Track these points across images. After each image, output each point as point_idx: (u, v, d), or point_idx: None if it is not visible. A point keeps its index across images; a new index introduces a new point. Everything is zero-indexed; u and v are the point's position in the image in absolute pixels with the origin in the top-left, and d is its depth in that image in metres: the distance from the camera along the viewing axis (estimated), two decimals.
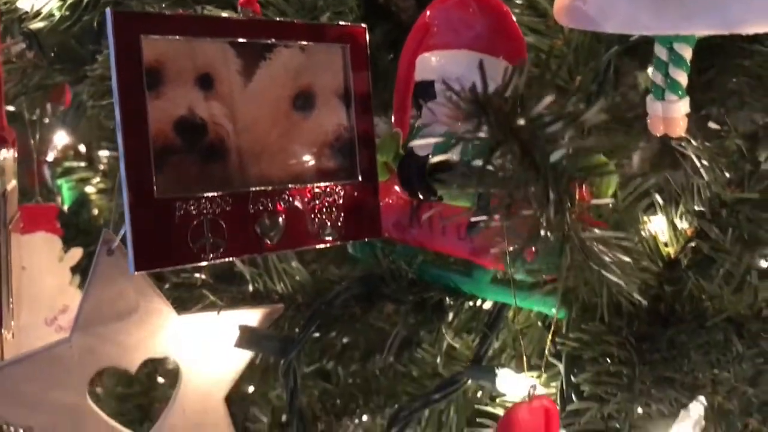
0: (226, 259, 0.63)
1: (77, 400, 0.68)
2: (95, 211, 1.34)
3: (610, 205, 0.62)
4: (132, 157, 0.59)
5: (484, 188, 0.59)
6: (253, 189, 0.64)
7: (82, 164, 1.32)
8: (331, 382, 0.79)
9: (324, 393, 0.78)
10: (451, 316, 0.75)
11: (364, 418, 0.78)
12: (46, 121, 1.25)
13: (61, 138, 1.28)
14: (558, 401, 0.62)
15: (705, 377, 0.60)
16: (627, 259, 0.58)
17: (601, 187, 0.61)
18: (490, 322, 0.73)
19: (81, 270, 0.97)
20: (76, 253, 0.97)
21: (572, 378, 0.63)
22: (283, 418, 0.78)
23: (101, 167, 1.32)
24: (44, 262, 0.94)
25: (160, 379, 0.94)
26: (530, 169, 0.47)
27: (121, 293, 0.68)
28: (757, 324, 0.60)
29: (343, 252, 0.78)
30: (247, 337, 0.69)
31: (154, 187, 0.59)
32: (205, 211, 0.62)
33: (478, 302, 0.74)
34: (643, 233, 0.69)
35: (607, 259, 0.55)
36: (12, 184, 0.84)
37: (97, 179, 1.31)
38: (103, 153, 1.29)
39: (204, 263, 0.62)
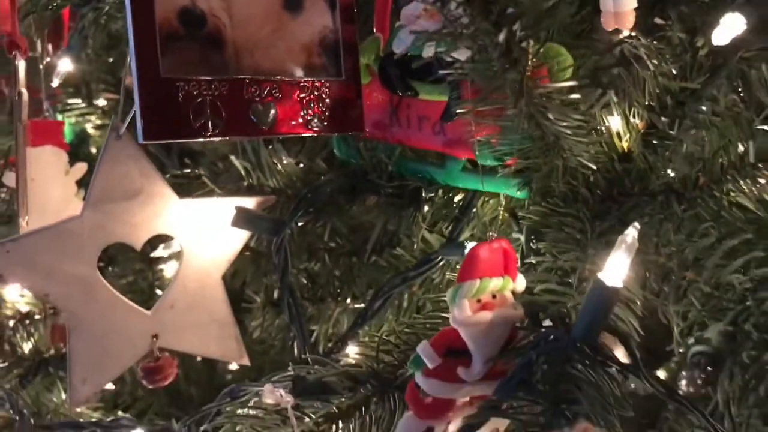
0: (224, 138, 0.71)
1: (88, 272, 0.75)
2: (93, 149, 1.40)
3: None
4: (141, 41, 0.66)
5: (455, 75, 0.68)
6: (248, 78, 0.72)
7: (82, 103, 1.39)
8: (317, 270, 0.87)
9: (310, 279, 0.86)
10: (426, 207, 0.83)
11: (348, 301, 0.86)
12: (48, 59, 1.31)
13: (61, 75, 1.33)
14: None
15: (650, 241, 0.68)
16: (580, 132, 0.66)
17: (558, 73, 0.69)
18: (461, 210, 0.81)
19: (85, 184, 1.04)
20: (81, 168, 1.04)
21: (531, 245, 0.71)
22: (275, 295, 0.86)
23: (101, 105, 1.38)
24: (51, 175, 1.01)
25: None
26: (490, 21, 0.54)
27: (127, 175, 0.75)
28: (695, 192, 0.68)
29: (330, 150, 0.85)
30: (242, 217, 0.76)
31: (160, 68, 0.67)
32: (205, 93, 0.69)
33: (451, 194, 0.82)
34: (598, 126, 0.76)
35: (562, 124, 0.63)
36: (24, 93, 0.91)
37: (96, 117, 1.37)
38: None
39: (203, 139, 0.70)
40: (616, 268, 0.56)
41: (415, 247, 0.83)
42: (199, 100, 0.68)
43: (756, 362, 0.55)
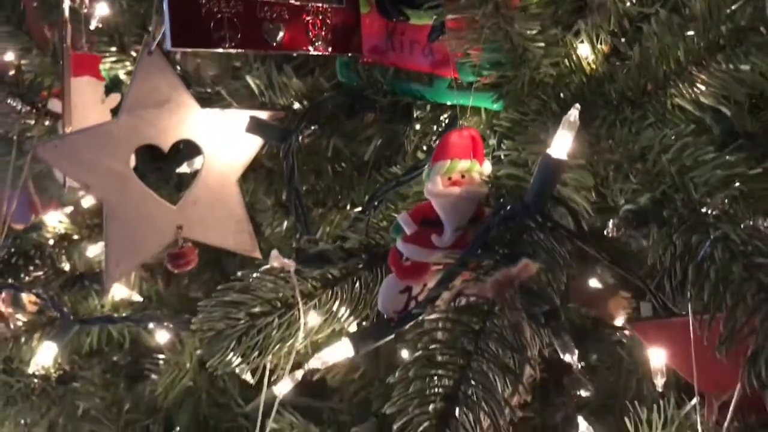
0: (239, 50, 0.83)
1: (123, 169, 0.88)
2: None
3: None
4: None
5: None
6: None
7: (115, 51, 1.51)
8: (321, 183, 0.99)
9: (314, 190, 0.98)
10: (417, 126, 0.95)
11: (348, 208, 0.97)
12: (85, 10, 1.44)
13: (98, 20, 1.46)
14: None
15: (605, 141, 0.79)
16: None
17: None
18: (447, 125, 0.92)
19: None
20: (115, 98, 1.16)
21: (502, 147, 0.82)
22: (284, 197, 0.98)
23: (132, 54, 1.50)
24: (89, 102, 1.14)
25: None
26: None
27: (157, 86, 0.87)
28: (643, 98, 0.79)
29: (333, 73, 0.97)
30: (255, 124, 0.88)
31: None
32: (224, 10, 0.81)
33: (438, 111, 0.93)
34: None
35: (528, 33, 0.75)
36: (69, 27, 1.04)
37: (129, 64, 1.49)
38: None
39: (221, 50, 0.82)
40: (560, 143, 0.67)
41: (406, 159, 0.94)
42: (218, 16, 0.81)
43: (678, 220, 0.65)
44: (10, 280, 1.20)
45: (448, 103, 0.91)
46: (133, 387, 1.24)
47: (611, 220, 0.69)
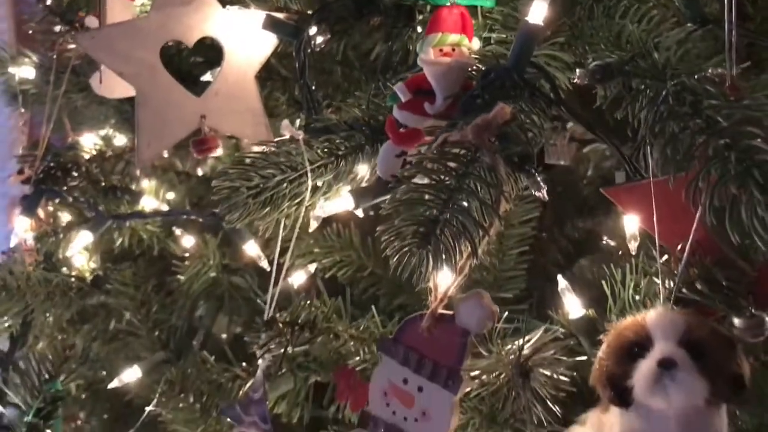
0: None
1: (152, 60, 0.97)
2: None
3: None
4: None
5: None
6: None
7: None
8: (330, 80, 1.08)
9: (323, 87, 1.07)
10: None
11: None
12: None
13: None
14: None
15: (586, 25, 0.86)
16: None
17: None
18: None
19: None
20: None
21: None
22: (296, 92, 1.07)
23: None
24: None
25: None
26: None
27: None
28: None
29: None
30: (270, 22, 0.97)
31: None
32: None
33: None
34: None
35: None
36: None
37: None
38: None
39: None
40: (537, 11, 0.75)
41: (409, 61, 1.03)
42: None
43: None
44: None
45: (448, 4, 1.00)
46: (161, 289, 1.35)
47: (578, 70, 0.77)
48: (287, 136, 0.85)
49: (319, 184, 0.85)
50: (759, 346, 0.93)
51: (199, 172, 1.51)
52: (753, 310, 0.77)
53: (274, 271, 0.85)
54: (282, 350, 0.85)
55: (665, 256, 0.82)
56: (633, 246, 0.90)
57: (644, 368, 0.70)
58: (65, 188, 1.30)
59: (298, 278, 1.14)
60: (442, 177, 0.70)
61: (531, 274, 1.12)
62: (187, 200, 1.45)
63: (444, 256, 0.68)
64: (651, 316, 0.74)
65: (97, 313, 1.45)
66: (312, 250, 1.17)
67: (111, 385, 1.21)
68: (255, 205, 0.83)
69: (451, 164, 0.70)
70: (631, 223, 0.90)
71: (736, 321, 0.77)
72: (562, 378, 0.76)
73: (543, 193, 0.72)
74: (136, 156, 0.98)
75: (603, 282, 0.88)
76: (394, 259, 0.68)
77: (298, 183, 0.84)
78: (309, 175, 0.83)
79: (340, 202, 0.82)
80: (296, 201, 0.84)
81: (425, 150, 0.73)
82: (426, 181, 0.72)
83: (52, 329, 1.26)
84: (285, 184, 0.84)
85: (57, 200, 1.28)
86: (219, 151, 1.00)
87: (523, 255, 1.10)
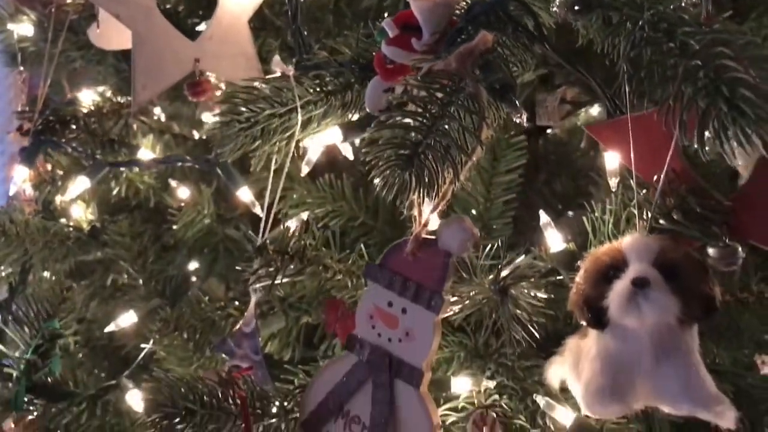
0: None
1: (149, 3, 0.99)
2: None
3: None
4: None
5: None
6: None
7: None
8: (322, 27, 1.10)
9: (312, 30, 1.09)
10: None
11: None
12: None
13: None
14: None
15: None
16: None
17: None
18: None
19: None
20: None
21: None
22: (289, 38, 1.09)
23: None
24: None
25: None
26: None
27: None
28: None
29: None
30: None
31: None
32: None
33: None
34: None
35: None
36: None
37: None
38: None
39: None
40: None
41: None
42: None
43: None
44: None
45: None
46: (157, 241, 1.38)
47: (558, 1, 0.79)
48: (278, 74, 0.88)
49: (309, 119, 0.87)
50: (735, 283, 0.96)
51: (195, 135, 1.54)
52: (727, 240, 0.80)
53: (266, 200, 0.87)
54: (272, 280, 0.87)
55: (644, 191, 0.85)
56: (613, 183, 0.93)
57: (619, 288, 0.73)
58: (64, 140, 1.32)
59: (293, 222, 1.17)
60: (427, 105, 0.73)
61: (518, 228, 1.15)
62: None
63: (427, 179, 0.71)
64: (626, 240, 0.76)
65: (94, 270, 1.48)
66: (305, 201, 1.20)
67: (107, 329, 1.24)
68: (246, 138, 0.85)
69: (436, 92, 0.73)
70: (612, 160, 0.93)
71: (711, 251, 0.80)
72: (540, 296, 0.78)
73: (523, 118, 0.74)
74: (132, 98, 1.00)
75: (584, 218, 0.90)
76: (378, 181, 0.70)
77: (288, 118, 0.87)
78: (299, 110, 0.86)
79: (329, 134, 0.84)
80: (286, 135, 0.86)
81: (411, 79, 0.75)
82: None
83: (50, 276, 1.29)
84: (275, 119, 0.87)
85: (55, 150, 1.30)
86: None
87: (509, 204, 1.12)
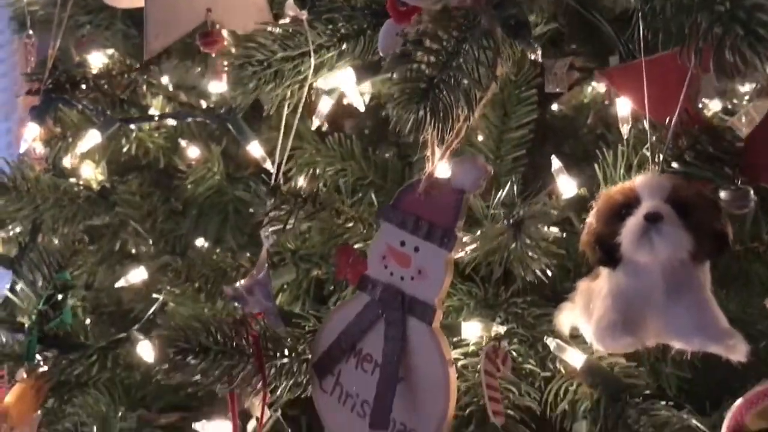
0: None
1: None
2: None
3: None
4: None
5: None
6: None
7: None
8: None
9: None
10: None
11: None
12: None
13: None
14: None
15: None
16: None
17: None
18: None
19: None
20: None
21: None
22: None
23: None
24: None
25: None
26: None
27: None
28: None
29: None
30: None
31: None
32: None
33: None
34: None
35: None
36: None
37: None
38: None
39: None
40: None
41: None
42: None
43: None
44: None
45: None
46: (167, 200, 1.38)
47: None
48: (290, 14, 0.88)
49: (321, 63, 0.88)
50: (746, 232, 0.97)
51: (203, 104, 1.54)
52: (739, 183, 0.80)
53: (280, 138, 0.88)
54: (284, 224, 0.88)
55: (656, 135, 0.85)
56: (625, 129, 0.93)
57: (631, 223, 0.73)
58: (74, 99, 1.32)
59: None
60: (442, 41, 0.73)
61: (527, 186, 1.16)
62: None
63: (441, 113, 0.71)
64: (639, 179, 0.77)
65: (103, 234, 1.49)
66: (314, 160, 1.20)
67: (118, 284, 1.25)
68: (260, 81, 0.86)
69: (451, 28, 0.73)
70: (624, 106, 0.93)
71: (722, 193, 0.80)
72: (553, 230, 0.79)
73: (537, 54, 0.75)
74: (144, 47, 1.00)
75: (595, 165, 0.91)
76: (394, 114, 0.71)
77: (301, 61, 0.87)
78: (312, 54, 0.86)
79: (343, 75, 0.84)
80: (299, 78, 0.87)
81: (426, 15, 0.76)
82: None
83: (61, 232, 1.29)
84: (288, 62, 0.87)
85: (66, 107, 1.30)
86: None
87: (519, 160, 1.12)
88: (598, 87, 1.31)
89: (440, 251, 0.77)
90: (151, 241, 1.35)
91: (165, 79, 1.50)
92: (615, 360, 0.85)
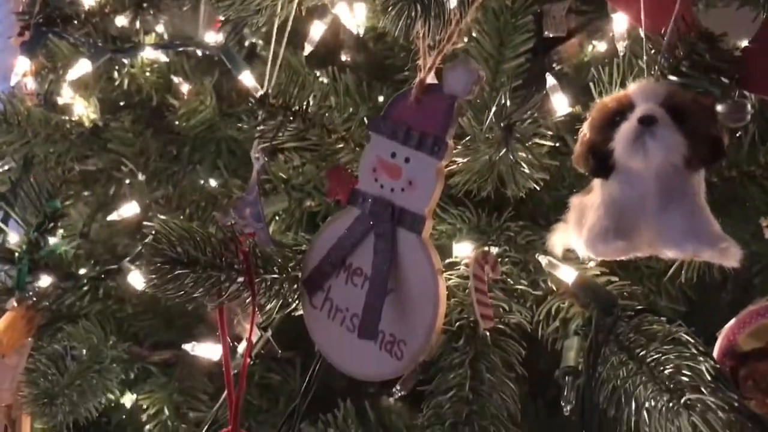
0: None
1: None
2: None
3: None
4: None
5: None
6: None
7: None
8: None
9: None
10: None
11: None
12: None
13: None
14: None
15: None
16: None
17: None
18: None
19: None
20: None
21: None
22: None
23: None
24: None
25: None
26: None
27: None
28: None
29: None
30: None
31: None
32: None
33: None
34: None
35: None
36: None
37: None
38: None
39: None
40: None
41: None
42: None
43: None
44: None
45: None
46: (159, 137, 1.37)
47: None
48: None
49: None
50: (742, 157, 0.95)
51: (198, 53, 1.52)
52: (736, 95, 0.79)
53: (272, 47, 0.86)
54: (273, 136, 0.86)
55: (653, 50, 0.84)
56: (621, 46, 0.92)
57: (625, 128, 0.72)
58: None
59: None
60: None
61: None
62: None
63: (433, 12, 0.70)
64: (633, 86, 0.75)
65: (97, 179, 1.47)
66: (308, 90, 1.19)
67: (109, 218, 1.24)
68: None
69: None
70: (620, 22, 0.92)
71: (719, 106, 0.79)
72: (546, 132, 0.77)
73: None
74: None
75: (591, 84, 0.89)
76: (388, 12, 0.69)
77: None
78: None
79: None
80: None
81: None
82: None
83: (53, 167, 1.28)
84: None
85: (57, 39, 1.28)
86: None
87: (517, 90, 1.11)
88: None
89: (431, 160, 0.76)
90: (144, 179, 1.34)
91: (160, 28, 1.49)
92: (609, 278, 0.85)
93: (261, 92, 0.85)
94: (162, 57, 1.37)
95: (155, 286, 0.78)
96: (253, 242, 0.86)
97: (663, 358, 0.74)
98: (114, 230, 1.43)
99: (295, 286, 0.86)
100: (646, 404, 0.73)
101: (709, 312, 1.08)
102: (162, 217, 1.08)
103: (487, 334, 0.81)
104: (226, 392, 0.86)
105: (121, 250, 1.47)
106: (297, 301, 0.86)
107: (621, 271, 0.91)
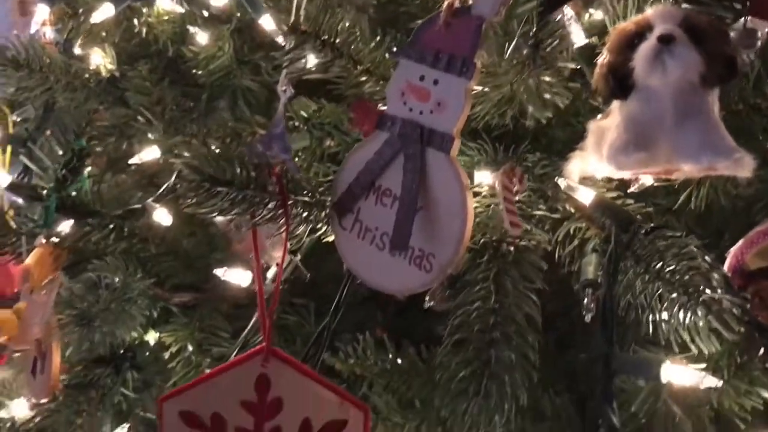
0: None
1: None
2: None
3: None
4: None
5: None
6: None
7: None
8: None
9: None
10: None
11: None
12: None
13: None
14: None
15: None
16: None
17: None
18: None
19: None
20: None
21: None
22: None
23: None
24: None
25: None
26: None
27: None
28: None
29: None
30: None
31: None
32: None
33: None
34: None
35: None
36: None
37: None
38: None
39: None
40: None
41: None
42: None
43: None
44: None
45: None
46: (175, 87, 1.39)
47: None
48: None
49: None
50: (749, 90, 0.99)
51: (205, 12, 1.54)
52: (748, 20, 0.83)
53: None
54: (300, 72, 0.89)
55: None
56: None
57: (644, 47, 0.76)
58: None
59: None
60: None
61: None
62: None
63: None
64: (652, 10, 0.79)
65: (111, 134, 1.50)
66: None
67: (131, 161, 1.27)
68: None
69: None
70: None
71: (731, 32, 0.83)
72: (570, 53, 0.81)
73: None
74: None
75: (605, 18, 0.93)
76: None
77: None
78: None
79: None
80: None
81: None
82: None
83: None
84: None
85: None
86: None
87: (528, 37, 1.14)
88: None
89: (460, 80, 0.80)
90: (162, 129, 1.37)
91: None
92: (624, 201, 0.89)
93: (292, 20, 0.88)
94: (178, 8, 1.41)
95: (194, 205, 0.82)
96: (284, 166, 0.89)
97: (677, 267, 0.78)
98: (124, 186, 1.47)
99: (324, 212, 0.89)
100: (664, 308, 0.77)
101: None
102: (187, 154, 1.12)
103: (511, 250, 0.85)
104: (257, 313, 0.89)
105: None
106: (326, 226, 0.90)
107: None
